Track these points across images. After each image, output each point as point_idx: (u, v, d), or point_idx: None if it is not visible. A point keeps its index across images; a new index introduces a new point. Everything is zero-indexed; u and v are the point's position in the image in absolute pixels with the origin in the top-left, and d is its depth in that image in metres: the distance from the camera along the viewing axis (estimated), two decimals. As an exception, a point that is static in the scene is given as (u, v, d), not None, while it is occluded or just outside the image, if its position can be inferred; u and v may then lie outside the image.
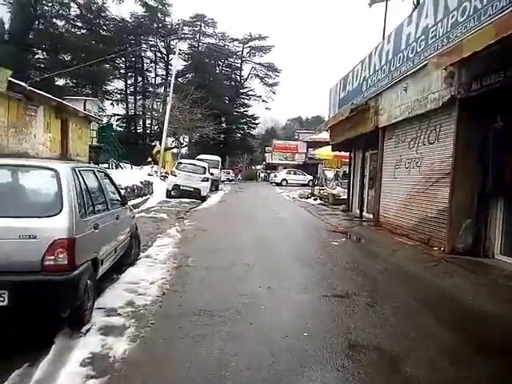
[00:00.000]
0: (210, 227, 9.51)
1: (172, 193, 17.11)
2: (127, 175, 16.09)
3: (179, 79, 46.93)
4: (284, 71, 59.66)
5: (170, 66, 46.89)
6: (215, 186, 23.94)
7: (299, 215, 13.47)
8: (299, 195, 22.03)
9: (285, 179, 37.04)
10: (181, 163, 18.39)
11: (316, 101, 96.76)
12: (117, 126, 47.17)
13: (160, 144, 24.49)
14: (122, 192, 12.70)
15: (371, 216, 12.13)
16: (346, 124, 12.77)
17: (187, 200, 16.23)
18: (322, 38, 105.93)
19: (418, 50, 8.18)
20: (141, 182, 15.25)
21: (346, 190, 22.14)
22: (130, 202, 13.65)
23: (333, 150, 16.22)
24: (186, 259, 6.22)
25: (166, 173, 22.77)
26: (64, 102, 16.76)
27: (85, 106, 22.95)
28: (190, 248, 7.12)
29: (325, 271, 5.83)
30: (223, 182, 35.08)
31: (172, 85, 22.79)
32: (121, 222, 5.05)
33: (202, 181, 17.23)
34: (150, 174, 21.60)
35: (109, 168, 23.46)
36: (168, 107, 22.03)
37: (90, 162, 22.15)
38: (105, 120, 44.07)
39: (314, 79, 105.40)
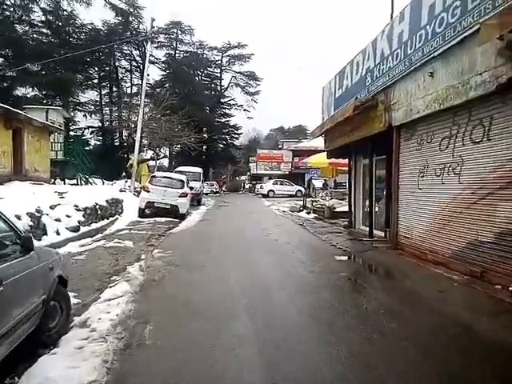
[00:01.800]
0: (185, 261, 7.28)
1: (146, 211, 14.84)
2: (92, 192, 13.74)
3: (157, 89, 44.83)
4: (264, 80, 57.87)
5: (147, 76, 44.66)
6: (197, 200, 21.75)
7: (295, 235, 11.34)
8: (290, 208, 19.98)
9: (272, 190, 35.05)
10: (155, 177, 16.09)
11: (298, 110, 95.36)
12: (92, 138, 44.87)
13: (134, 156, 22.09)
14: (79, 215, 10.56)
15: (382, 234, 10.13)
16: (346, 126, 10.81)
17: (163, 219, 13.97)
18: (304, 45, 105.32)
19: (451, 20, 6.25)
20: (106, 201, 12.89)
21: (342, 202, 20.27)
22: (91, 227, 11.42)
23: (328, 158, 14.25)
24: (142, 329, 3.99)
25: (140, 188, 20.42)
26: (14, 109, 14.34)
27: (47, 116, 20.54)
28: (152, 303, 4.87)
29: (358, 343, 3.69)
30: (207, 194, 32.93)
31: (144, 89, 20.58)
32: (10, 288, 2.82)
33: (180, 196, 14.98)
34: (122, 190, 19.22)
35: (77, 184, 21.05)
36: (140, 114, 19.78)
37: (53, 178, 19.75)
38: (78, 133, 41.92)
39: (295, 88, 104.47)
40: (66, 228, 9.54)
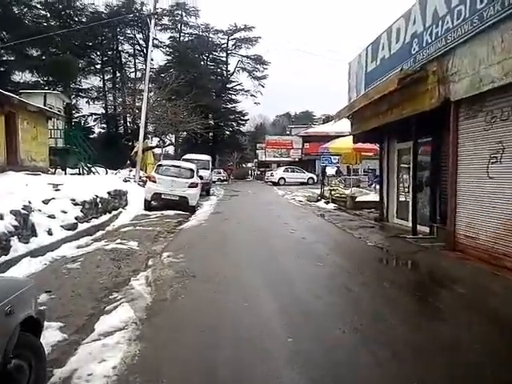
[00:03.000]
0: (202, 270, 5.90)
1: (152, 203, 13.52)
2: (92, 183, 12.39)
3: (162, 75, 43.15)
4: (271, 65, 55.57)
5: (151, 60, 42.88)
6: (206, 190, 20.36)
7: (323, 231, 9.97)
8: (307, 198, 18.55)
9: (283, 178, 33.57)
10: (161, 165, 14.70)
11: (303, 95, 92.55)
12: (96, 126, 43.50)
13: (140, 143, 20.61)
14: (76, 210, 9.25)
15: (427, 230, 8.73)
16: (382, 105, 9.34)
17: (171, 212, 12.65)
18: (311, 27, 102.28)
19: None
20: (108, 193, 11.56)
21: (363, 190, 18.86)
22: (90, 223, 10.08)
23: (355, 142, 12.73)
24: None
25: (146, 177, 19.10)
26: (4, 92, 12.95)
27: (45, 101, 19.12)
28: (164, 343, 3.49)
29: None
30: (214, 182, 31.56)
31: (148, 71, 19.17)
32: None
33: (190, 187, 13.59)
34: (126, 180, 17.88)
35: (79, 173, 19.76)
36: (144, 98, 18.31)
37: (54, 168, 18.45)
38: (82, 120, 40.62)
39: (299, 72, 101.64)
40: (61, 226, 8.22)
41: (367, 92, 9.93)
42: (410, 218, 9.22)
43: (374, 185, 19.18)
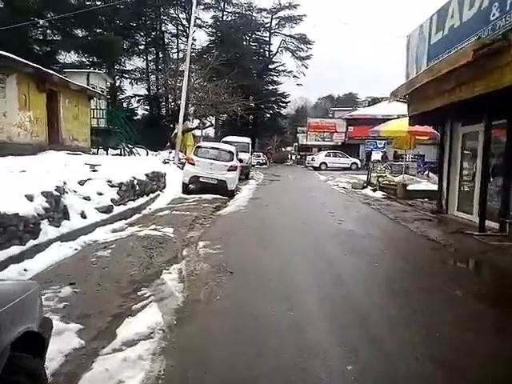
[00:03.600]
0: (241, 264, 5.29)
1: (190, 186, 13.10)
2: (130, 164, 12.12)
3: (204, 56, 42.67)
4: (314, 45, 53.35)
5: (193, 41, 42.46)
6: (245, 174, 19.74)
7: (373, 222, 9.04)
8: (352, 185, 17.49)
9: (324, 163, 32.36)
10: (200, 147, 14.16)
11: (347, 77, 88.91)
12: (139, 108, 43.92)
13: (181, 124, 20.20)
14: (113, 192, 8.89)
15: (496, 226, 7.62)
16: (447, 82, 8.12)
17: (209, 196, 12.14)
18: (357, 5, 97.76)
19: None
20: (146, 175, 11.18)
21: (413, 177, 17.52)
22: (127, 206, 9.74)
23: (411, 124, 11.50)
24: None
25: (185, 159, 18.78)
26: (46, 69, 12.82)
27: (88, 80, 19.15)
28: (194, 364, 2.89)
29: None
30: (253, 166, 30.95)
31: (189, 50, 18.53)
32: None
33: (229, 170, 13.00)
34: (165, 162, 17.68)
35: (120, 154, 19.82)
36: (185, 78, 17.83)
37: (96, 148, 18.57)
38: (126, 101, 41.16)
39: (343, 53, 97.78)
40: (96, 208, 7.87)
41: (431, 67, 8.73)
42: (476, 211, 8.14)
43: (426, 172, 17.71)
